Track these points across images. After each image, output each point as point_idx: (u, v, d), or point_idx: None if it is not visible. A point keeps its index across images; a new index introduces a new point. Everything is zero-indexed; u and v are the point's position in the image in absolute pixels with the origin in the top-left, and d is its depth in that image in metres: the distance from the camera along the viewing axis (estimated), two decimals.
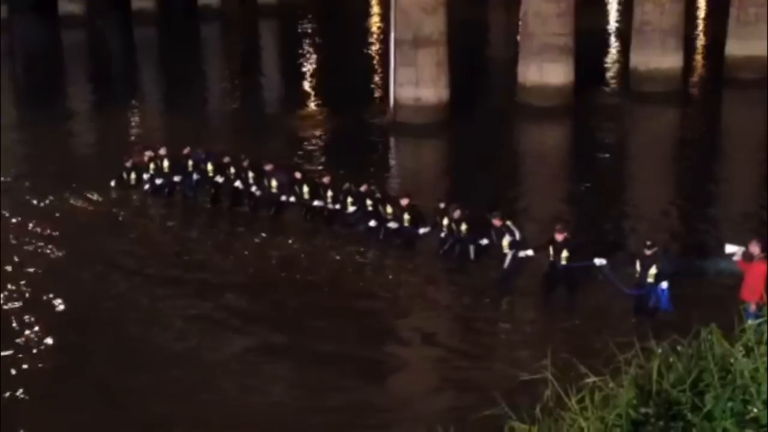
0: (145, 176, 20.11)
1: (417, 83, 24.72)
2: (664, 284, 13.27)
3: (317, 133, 26.01)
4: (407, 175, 22.44)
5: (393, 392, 12.40)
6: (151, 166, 20.04)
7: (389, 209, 16.93)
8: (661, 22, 27.15)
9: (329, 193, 17.91)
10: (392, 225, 16.81)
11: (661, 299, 13.33)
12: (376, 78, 31.48)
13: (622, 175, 22.40)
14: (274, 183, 18.57)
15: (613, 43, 37.09)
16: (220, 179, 19.34)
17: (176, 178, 19.86)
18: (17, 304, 14.86)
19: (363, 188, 17.68)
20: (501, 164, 22.30)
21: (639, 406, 4.42)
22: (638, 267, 13.47)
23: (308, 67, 34.77)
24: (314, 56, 36.57)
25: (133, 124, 27.64)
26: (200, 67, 35.44)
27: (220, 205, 19.46)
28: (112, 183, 20.39)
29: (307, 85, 31.98)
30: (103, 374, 12.77)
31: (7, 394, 12.07)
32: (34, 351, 13.42)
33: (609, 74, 32.03)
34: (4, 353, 13.24)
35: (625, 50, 29.59)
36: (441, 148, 24.92)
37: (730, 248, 13.42)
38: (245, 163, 19.19)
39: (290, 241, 17.54)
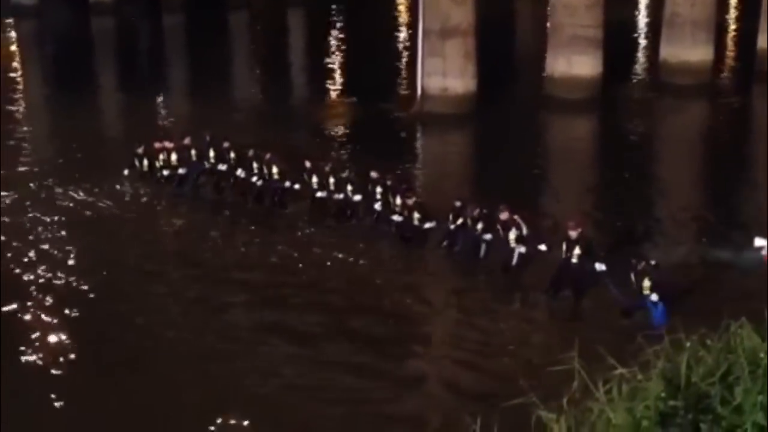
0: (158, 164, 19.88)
1: (444, 74, 24.67)
2: (654, 297, 12.98)
3: (343, 122, 26.03)
4: (433, 166, 22.44)
5: (417, 383, 12.39)
6: (161, 156, 19.84)
7: (398, 200, 16.74)
8: (691, 14, 26.89)
9: (331, 180, 17.73)
10: (396, 218, 16.62)
11: (654, 314, 13.00)
12: (404, 68, 31.43)
13: (650, 169, 22.23)
14: (275, 170, 18.37)
15: (643, 34, 36.78)
16: (222, 167, 19.18)
17: (181, 171, 19.61)
18: (26, 288, 15.03)
19: (374, 174, 17.50)
20: (527, 156, 22.20)
21: (668, 398, 4.41)
22: (633, 278, 13.26)
23: (335, 57, 34.77)
24: (341, 45, 36.56)
25: (158, 111, 27.78)
26: (227, 56, 35.54)
27: (223, 196, 19.35)
28: (126, 171, 20.17)
29: (333, 75, 31.99)
30: (119, 360, 12.92)
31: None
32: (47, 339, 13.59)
33: (638, 66, 31.78)
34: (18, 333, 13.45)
35: (655, 42, 29.34)
36: (467, 138, 24.87)
37: (759, 242, 13.30)
38: (250, 153, 19.01)
39: (297, 234, 17.43)
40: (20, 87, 31.31)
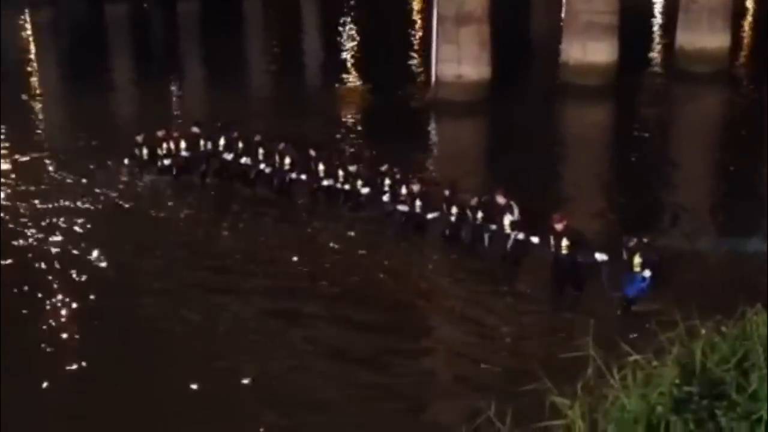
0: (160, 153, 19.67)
1: (459, 61, 24.58)
2: (647, 272, 13.09)
3: (358, 109, 26.03)
4: (447, 153, 22.40)
5: (431, 369, 12.42)
6: (164, 145, 19.62)
7: (404, 190, 16.73)
8: (708, 1, 26.68)
9: (340, 172, 17.73)
10: (402, 208, 16.62)
11: (634, 286, 13.08)
12: (418, 55, 31.36)
13: (665, 157, 22.09)
14: (287, 160, 18.31)
15: (659, 21, 36.51)
16: (228, 156, 19.05)
17: (183, 156, 19.44)
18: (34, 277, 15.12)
19: (384, 168, 17.52)
20: (541, 143, 22.11)
21: (683, 385, 4.40)
22: (625, 256, 13.33)
23: (349, 44, 34.72)
24: (355, 32, 36.49)
25: (171, 99, 27.84)
26: (241, 43, 35.55)
27: (226, 184, 19.27)
28: (126, 161, 20.02)
29: (348, 62, 31.96)
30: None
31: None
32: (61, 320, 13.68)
33: (654, 53, 31.58)
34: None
35: (671, 29, 29.13)
36: (482, 126, 24.80)
37: None
38: (257, 138, 18.97)
39: (304, 220, 17.45)
40: (35, 75, 31.43)
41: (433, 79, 25.23)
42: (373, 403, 11.37)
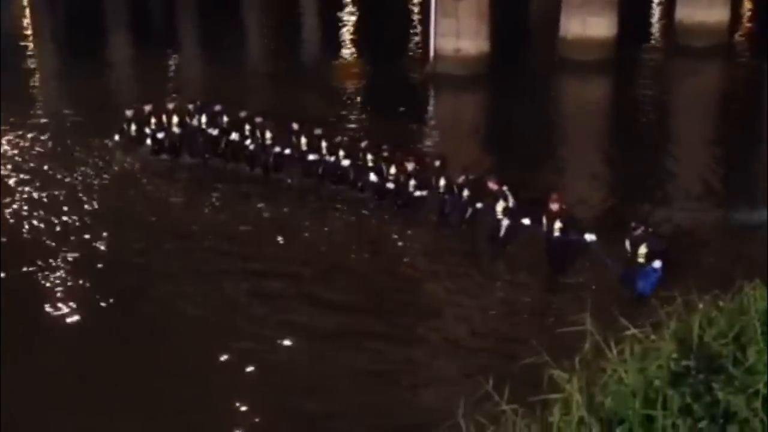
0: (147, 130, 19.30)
1: (458, 34, 24.48)
2: (657, 263, 12.64)
3: (356, 83, 25.94)
4: (445, 127, 22.35)
5: (429, 347, 12.40)
6: (152, 120, 19.22)
7: (392, 170, 16.42)
8: None
9: (323, 144, 17.37)
10: (389, 186, 16.37)
11: (648, 281, 12.62)
12: (417, 29, 31.21)
13: (665, 130, 22.08)
14: (268, 135, 18.02)
15: None
16: (214, 131, 18.72)
17: (160, 135, 19.04)
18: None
19: (364, 144, 17.32)
20: (540, 118, 22.08)
21: (680, 359, 4.43)
22: (628, 246, 12.91)
23: (348, 17, 34.53)
24: (354, 7, 36.29)
25: (169, 75, 27.68)
26: (239, 18, 35.33)
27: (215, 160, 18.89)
28: (116, 137, 19.75)
29: (346, 36, 31.80)
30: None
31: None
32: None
33: (653, 28, 31.45)
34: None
35: (671, 3, 28.99)
36: (480, 100, 24.73)
37: None
38: (242, 115, 18.68)
39: (288, 198, 17.22)
40: (32, 52, 31.27)
41: (432, 53, 25.13)
42: (370, 381, 11.40)
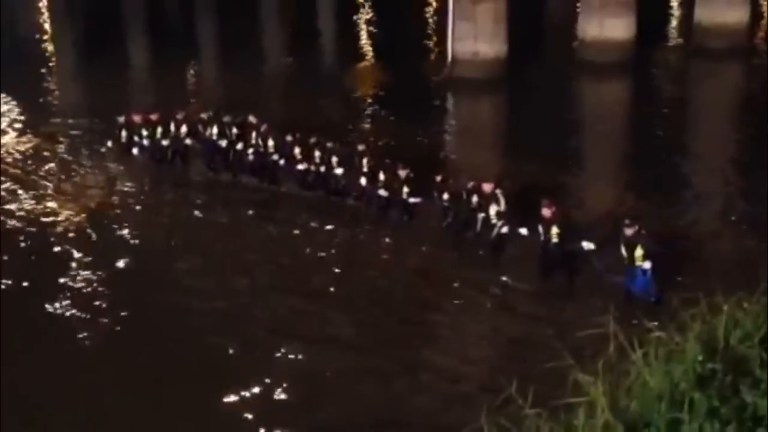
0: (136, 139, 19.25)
1: (475, 38, 24.46)
2: (647, 264, 12.40)
3: (374, 87, 25.96)
4: (463, 131, 22.33)
5: (451, 350, 12.34)
6: (143, 129, 19.14)
7: (382, 176, 16.13)
8: None
9: (317, 154, 17.16)
10: (382, 192, 16.14)
11: (638, 283, 12.46)
12: (434, 33, 31.20)
13: (683, 133, 21.95)
14: (270, 143, 17.84)
15: None
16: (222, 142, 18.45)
17: (164, 143, 19.02)
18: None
19: (361, 147, 17.20)
20: (558, 121, 22.00)
21: (705, 361, 4.38)
22: (623, 250, 12.66)
23: (365, 21, 34.57)
24: (371, 10, 36.33)
25: (186, 80, 27.81)
26: (257, 23, 35.44)
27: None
28: (109, 143, 19.82)
29: (363, 39, 31.83)
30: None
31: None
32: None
33: (672, 29, 31.29)
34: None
35: (690, 4, 28.84)
36: (498, 103, 24.69)
37: None
38: (241, 120, 18.53)
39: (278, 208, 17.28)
40: (51, 54, 31.51)
41: (449, 56, 25.12)
42: (392, 382, 11.40)
